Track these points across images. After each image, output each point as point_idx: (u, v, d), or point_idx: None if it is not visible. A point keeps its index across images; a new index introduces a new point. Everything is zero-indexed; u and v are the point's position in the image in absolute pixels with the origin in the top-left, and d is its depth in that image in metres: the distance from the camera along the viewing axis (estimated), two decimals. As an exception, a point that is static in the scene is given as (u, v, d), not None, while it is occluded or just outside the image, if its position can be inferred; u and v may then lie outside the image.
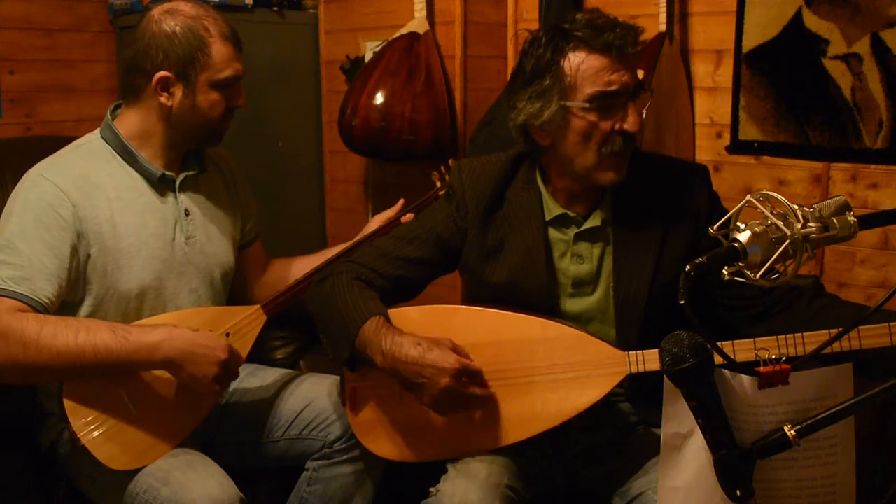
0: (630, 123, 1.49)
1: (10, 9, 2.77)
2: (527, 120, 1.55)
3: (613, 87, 1.48)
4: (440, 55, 2.56)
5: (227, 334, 1.70)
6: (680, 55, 2.32)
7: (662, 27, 2.26)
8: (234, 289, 1.93)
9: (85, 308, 1.64)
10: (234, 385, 1.87)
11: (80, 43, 2.96)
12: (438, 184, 2.02)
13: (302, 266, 1.93)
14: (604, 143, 1.50)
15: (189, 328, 1.59)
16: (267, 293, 1.87)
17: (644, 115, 2.11)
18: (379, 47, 2.61)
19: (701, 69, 2.33)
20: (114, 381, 1.59)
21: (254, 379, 1.90)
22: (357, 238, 1.93)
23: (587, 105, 1.49)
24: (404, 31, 2.56)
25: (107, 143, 1.70)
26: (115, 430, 1.58)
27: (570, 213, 1.61)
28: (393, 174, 2.79)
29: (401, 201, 1.99)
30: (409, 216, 1.94)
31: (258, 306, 1.77)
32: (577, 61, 1.49)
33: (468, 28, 2.56)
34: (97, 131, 1.73)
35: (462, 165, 1.71)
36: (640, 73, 2.15)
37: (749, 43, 2.22)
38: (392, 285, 1.68)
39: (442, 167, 2.04)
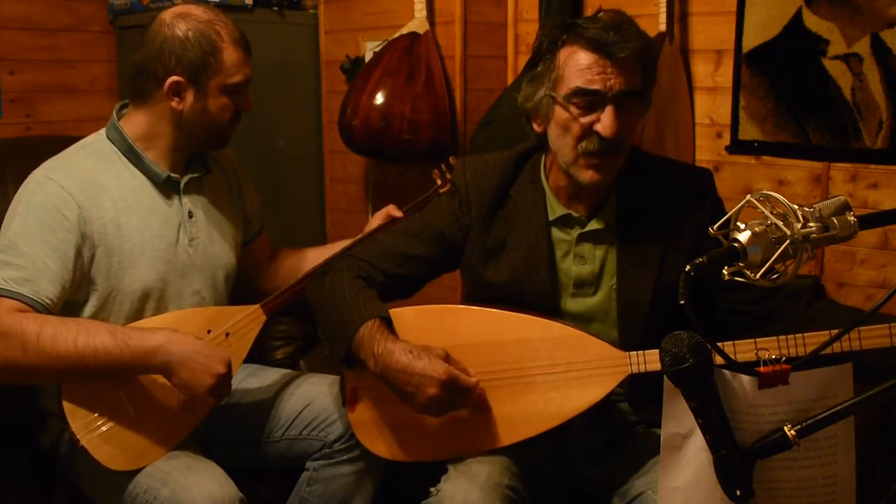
0: (604, 127, 1.48)
1: (10, 9, 2.77)
2: (522, 101, 1.58)
3: (594, 86, 1.48)
4: (440, 55, 2.55)
5: (227, 334, 1.70)
6: (680, 55, 2.32)
7: (662, 27, 2.26)
8: (243, 282, 1.93)
9: (89, 308, 1.64)
10: (234, 385, 1.86)
11: (80, 43, 2.96)
12: (439, 181, 2.02)
13: (311, 258, 1.94)
14: (580, 139, 1.51)
15: (190, 329, 1.59)
16: (276, 283, 1.88)
17: (644, 116, 2.11)
18: (379, 47, 2.61)
19: (701, 69, 2.33)
20: (113, 383, 1.58)
21: (254, 379, 1.90)
22: (359, 236, 1.92)
23: (566, 98, 1.50)
24: (404, 31, 2.56)
25: (112, 143, 1.70)
26: (115, 431, 1.58)
27: (574, 214, 1.61)
28: (393, 174, 2.79)
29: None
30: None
31: (257, 306, 1.77)
32: (567, 54, 1.51)
33: (468, 28, 2.56)
34: (102, 131, 1.73)
35: (466, 163, 1.71)
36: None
37: (749, 43, 2.22)
38: (392, 282, 1.68)
39: (443, 165, 2.04)
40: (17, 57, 2.81)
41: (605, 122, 1.48)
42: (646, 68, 1.53)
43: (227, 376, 1.59)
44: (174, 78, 1.63)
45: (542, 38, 1.56)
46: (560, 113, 1.52)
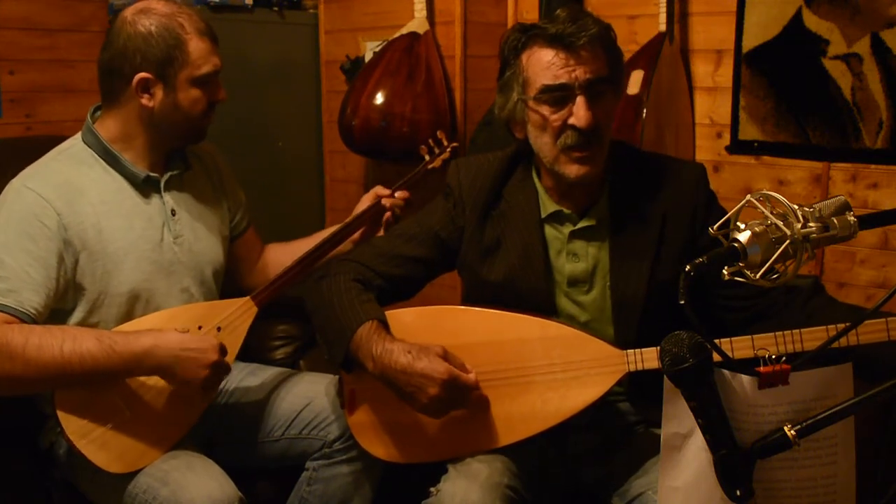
0: (578, 118, 1.49)
1: (10, 9, 2.77)
2: (498, 111, 1.60)
3: (560, 81, 1.49)
4: (440, 55, 2.56)
5: (219, 328, 1.69)
6: (680, 55, 2.32)
7: (662, 27, 2.26)
8: (231, 277, 1.93)
9: (78, 313, 1.64)
10: (233, 384, 1.87)
11: (80, 43, 2.95)
12: (427, 157, 2.04)
13: (298, 249, 1.92)
14: (557, 136, 1.52)
15: (179, 327, 1.59)
16: (265, 279, 1.87)
17: (644, 116, 2.11)
18: (379, 47, 2.61)
19: (701, 69, 2.33)
20: (107, 385, 1.58)
21: (253, 378, 1.90)
22: (348, 219, 1.92)
23: (536, 98, 1.51)
24: (404, 31, 2.56)
25: (89, 147, 1.69)
26: (111, 435, 1.58)
27: (566, 211, 1.62)
28: (393, 174, 2.78)
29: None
30: (401, 193, 1.95)
31: (248, 298, 1.75)
32: (529, 55, 1.53)
33: (468, 28, 2.56)
34: (78, 135, 1.72)
35: (459, 164, 1.72)
36: (640, 74, 2.15)
37: (749, 43, 2.22)
38: (390, 285, 1.68)
39: (430, 140, 2.05)
40: (17, 57, 2.80)
41: (578, 113, 1.48)
42: (610, 54, 1.54)
43: (219, 363, 1.58)
44: (141, 75, 1.62)
45: (504, 45, 1.57)
46: (533, 115, 1.53)
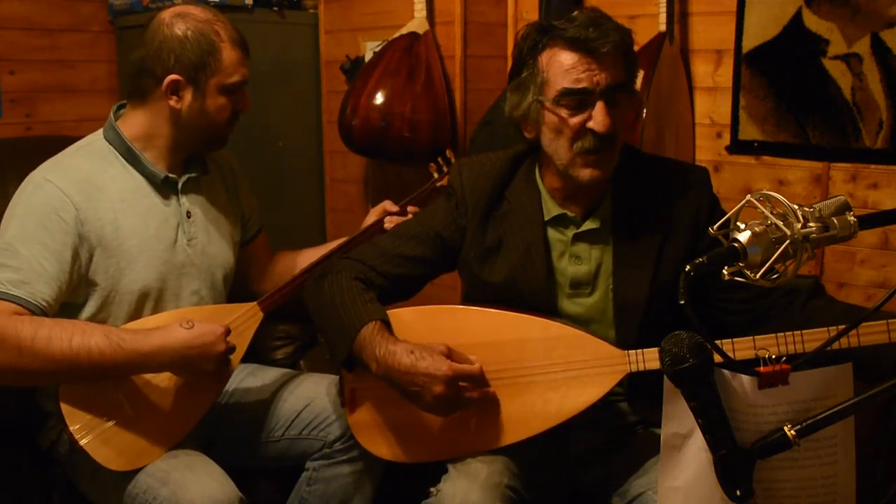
0: (597, 123, 1.48)
1: (10, 9, 2.78)
2: (510, 111, 1.59)
3: (581, 85, 1.48)
4: (440, 55, 2.56)
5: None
6: (680, 55, 2.32)
7: (662, 27, 2.26)
8: (240, 282, 1.94)
9: (88, 309, 1.64)
10: (234, 385, 1.87)
11: (80, 43, 2.96)
12: (436, 175, 2.04)
13: (307, 258, 1.94)
14: (574, 139, 1.51)
15: (184, 322, 1.58)
16: (273, 285, 1.88)
17: (644, 116, 2.12)
18: (379, 47, 2.61)
19: (701, 69, 2.33)
20: (111, 383, 1.59)
21: (254, 379, 1.90)
22: (356, 232, 1.93)
23: (555, 101, 1.50)
24: (404, 31, 2.56)
25: (110, 144, 1.70)
26: (113, 432, 1.58)
27: (569, 214, 1.62)
28: (393, 174, 2.79)
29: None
30: (410, 209, 1.94)
31: (255, 303, 1.77)
32: (549, 56, 1.51)
33: (468, 28, 2.56)
34: (100, 132, 1.73)
35: (462, 164, 1.72)
36: (639, 74, 2.15)
37: (749, 43, 2.22)
38: (391, 284, 1.68)
39: (440, 158, 2.05)
40: (17, 57, 2.81)
41: (597, 118, 1.48)
42: (628, 60, 1.53)
43: (225, 353, 1.59)
44: (173, 77, 1.63)
45: (521, 44, 1.56)
46: (550, 117, 1.52)
